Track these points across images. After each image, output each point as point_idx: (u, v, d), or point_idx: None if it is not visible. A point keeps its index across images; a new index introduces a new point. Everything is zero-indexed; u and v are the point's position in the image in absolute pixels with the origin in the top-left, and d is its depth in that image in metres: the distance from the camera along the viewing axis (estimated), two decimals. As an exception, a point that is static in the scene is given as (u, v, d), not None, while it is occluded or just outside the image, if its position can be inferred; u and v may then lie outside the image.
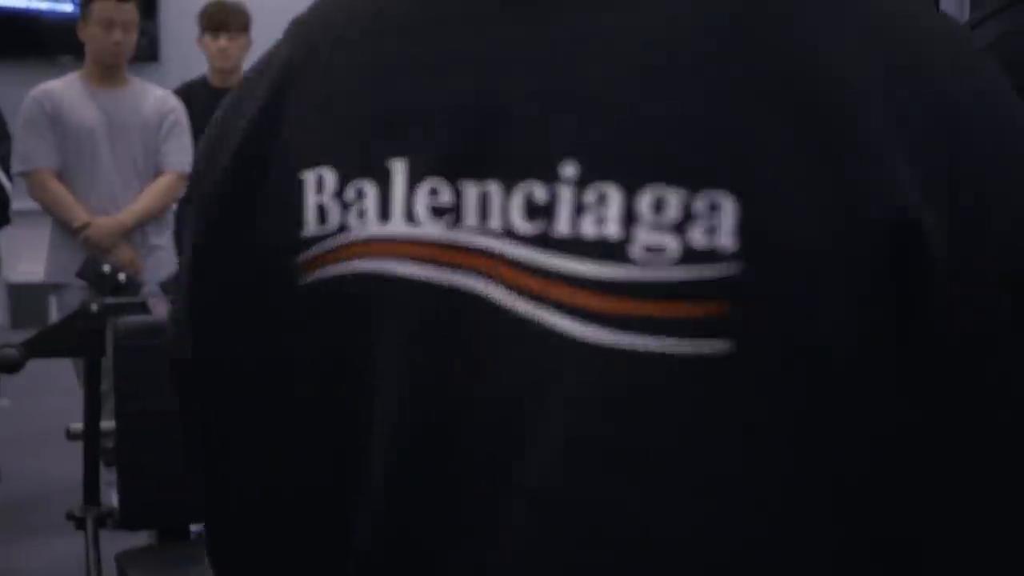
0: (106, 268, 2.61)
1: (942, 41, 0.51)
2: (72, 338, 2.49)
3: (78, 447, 2.53)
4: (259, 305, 0.60)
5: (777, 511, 0.49)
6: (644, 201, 0.48)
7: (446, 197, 0.54)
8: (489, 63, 0.54)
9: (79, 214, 3.37)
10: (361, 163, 0.56)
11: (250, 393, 0.61)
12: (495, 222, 0.53)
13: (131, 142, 3.44)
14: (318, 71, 0.59)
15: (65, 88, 3.43)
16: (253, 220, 0.59)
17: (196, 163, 0.66)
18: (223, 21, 3.89)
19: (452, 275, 0.53)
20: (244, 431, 0.63)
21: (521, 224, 0.52)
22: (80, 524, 2.46)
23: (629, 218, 0.49)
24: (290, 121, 0.59)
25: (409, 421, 0.55)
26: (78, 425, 2.53)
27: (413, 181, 0.54)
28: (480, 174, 0.53)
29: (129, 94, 3.48)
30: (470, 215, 0.53)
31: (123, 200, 3.44)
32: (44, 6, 6.58)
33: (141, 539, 2.46)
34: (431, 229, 0.54)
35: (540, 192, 0.51)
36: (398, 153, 0.55)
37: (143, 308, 2.52)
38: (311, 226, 0.57)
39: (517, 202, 0.52)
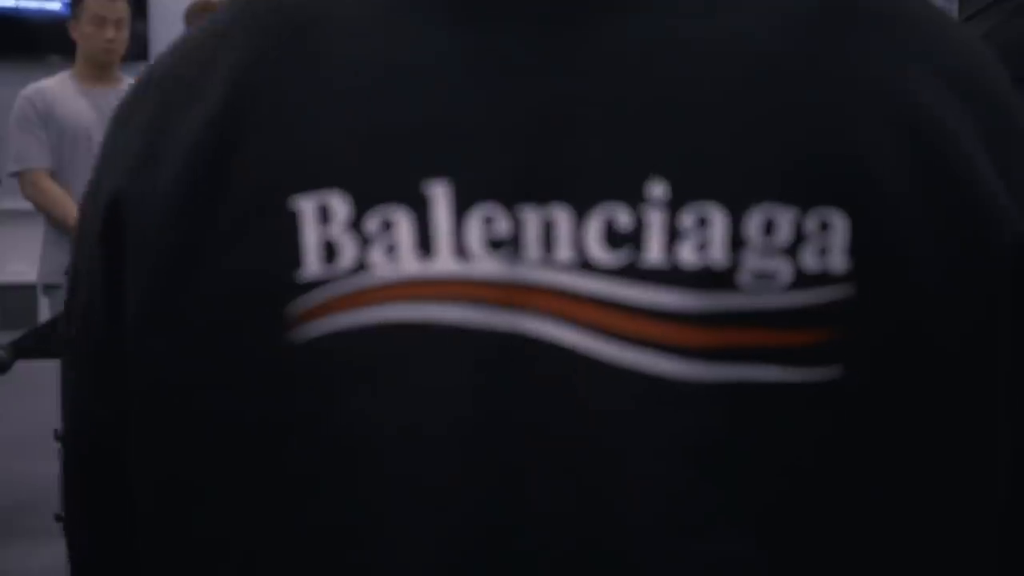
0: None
1: (994, 62, 0.51)
2: (61, 339, 2.46)
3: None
4: (228, 367, 0.48)
5: (918, 549, 0.47)
6: (752, 223, 0.44)
7: (503, 226, 0.45)
8: (547, 64, 0.47)
9: (75, 213, 3.33)
10: (385, 186, 0.46)
11: (229, 463, 0.49)
12: (564, 253, 0.45)
13: (125, 141, 3.41)
14: (302, 68, 0.49)
15: (57, 87, 3.41)
16: (207, 261, 0.48)
17: (95, 193, 0.53)
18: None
19: (512, 318, 0.45)
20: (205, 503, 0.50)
21: (601, 254, 0.45)
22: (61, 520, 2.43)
23: (736, 242, 0.44)
24: (261, 134, 0.48)
25: (467, 495, 0.46)
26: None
27: (461, 208, 0.45)
28: (543, 197, 0.45)
29: (123, 92, 3.45)
30: (532, 246, 0.45)
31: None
32: (32, 5, 6.55)
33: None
34: (487, 265, 0.45)
35: (624, 216, 0.45)
36: (436, 174, 0.46)
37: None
38: (312, 266, 0.46)
39: (594, 229, 0.45)
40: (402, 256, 0.45)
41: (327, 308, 0.46)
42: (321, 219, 0.46)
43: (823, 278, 0.44)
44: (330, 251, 0.46)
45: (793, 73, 0.46)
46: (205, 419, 0.48)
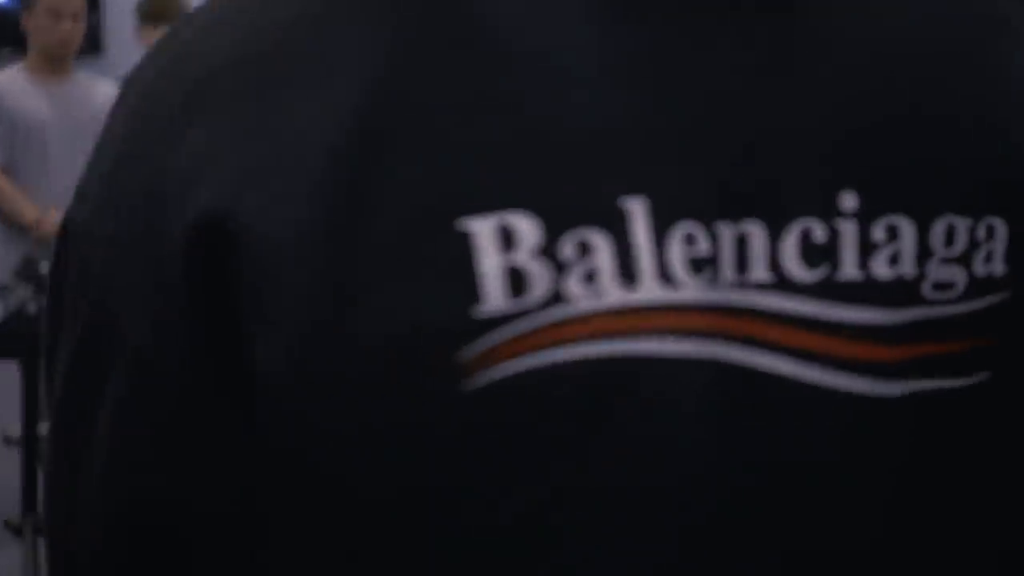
0: (44, 267, 2.52)
1: None
2: (8, 340, 2.41)
3: (15, 453, 2.45)
4: (393, 427, 0.41)
5: None
6: (936, 233, 0.44)
7: (703, 246, 0.42)
8: (726, 69, 0.43)
9: (30, 209, 3.28)
10: (579, 205, 0.41)
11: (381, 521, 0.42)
12: (760, 272, 0.42)
13: (83, 136, 3.35)
14: (460, 61, 0.42)
15: (8, 81, 3.34)
16: (360, 298, 0.40)
17: (153, 212, 0.43)
18: (160, 11, 3.82)
19: (722, 347, 0.42)
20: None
21: (799, 272, 0.42)
22: (18, 533, 2.39)
23: (923, 253, 0.44)
24: (416, 139, 0.41)
25: (717, 543, 0.43)
26: (14, 427, 2.45)
27: (661, 227, 0.41)
28: (736, 213, 0.42)
29: (78, 87, 3.40)
30: (727, 266, 0.42)
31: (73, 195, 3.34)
32: None
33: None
34: (692, 290, 0.41)
35: (818, 231, 0.43)
36: (632, 190, 0.41)
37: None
38: (495, 299, 0.40)
39: (790, 245, 0.42)
40: (604, 284, 0.40)
41: (515, 347, 0.40)
42: (504, 244, 0.40)
43: (989, 284, 0.45)
44: (517, 281, 0.40)
45: (958, 82, 0.47)
46: (368, 491, 0.41)
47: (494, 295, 0.40)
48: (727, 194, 0.42)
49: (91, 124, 3.37)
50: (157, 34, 3.79)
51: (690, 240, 0.41)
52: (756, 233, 0.42)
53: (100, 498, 0.45)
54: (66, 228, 0.47)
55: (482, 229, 0.40)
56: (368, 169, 0.40)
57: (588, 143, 0.41)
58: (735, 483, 0.42)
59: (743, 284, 0.42)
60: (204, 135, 0.42)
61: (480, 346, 0.40)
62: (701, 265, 0.41)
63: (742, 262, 0.42)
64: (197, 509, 0.43)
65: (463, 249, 0.40)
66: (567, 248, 0.40)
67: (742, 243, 0.42)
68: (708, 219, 0.42)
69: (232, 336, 0.41)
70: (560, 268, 0.40)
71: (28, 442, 2.42)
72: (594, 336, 0.40)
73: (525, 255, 0.40)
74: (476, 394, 0.40)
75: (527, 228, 0.40)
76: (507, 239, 0.40)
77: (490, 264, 0.40)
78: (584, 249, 0.40)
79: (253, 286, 0.40)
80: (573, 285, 0.40)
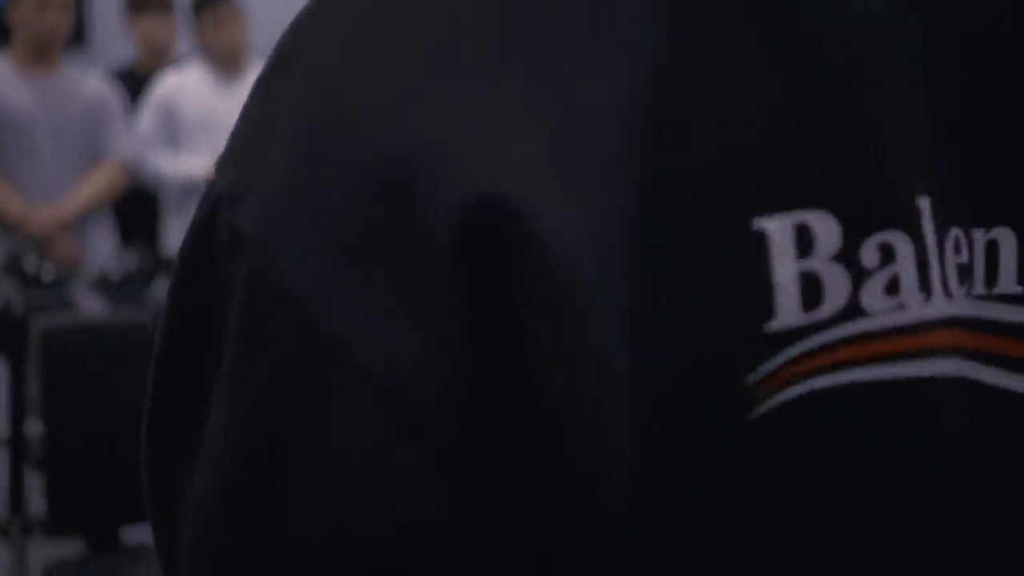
0: (30, 264, 2.48)
1: None
2: (-5, 338, 2.37)
3: (2, 453, 2.41)
4: (681, 463, 0.35)
5: None
6: None
7: (964, 254, 0.38)
8: (990, 72, 0.40)
9: (16, 205, 3.23)
10: (883, 204, 0.37)
11: None
12: (1008, 284, 0.39)
13: (71, 129, 3.30)
14: (733, 47, 0.36)
15: (-7, 73, 3.27)
16: (654, 313, 0.34)
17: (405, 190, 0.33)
18: (147, 0, 3.76)
19: (969, 364, 0.38)
20: None
21: None
22: (5, 534, 2.36)
23: None
24: (696, 129, 0.35)
25: None
26: (1, 427, 2.42)
27: (940, 232, 0.37)
28: (990, 220, 0.39)
29: (66, 79, 3.33)
30: (979, 277, 0.39)
31: (62, 190, 3.30)
32: None
33: (70, 549, 2.35)
34: (963, 302, 0.38)
35: None
36: (923, 190, 0.37)
37: (69, 306, 2.39)
38: (789, 313, 0.35)
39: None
40: (905, 295, 0.36)
41: (805, 366, 0.35)
42: (799, 247, 0.35)
43: None
44: (812, 290, 0.35)
45: None
46: (654, 541, 0.35)
47: (788, 307, 0.34)
48: (981, 198, 0.39)
49: (80, 118, 3.32)
50: (145, 24, 3.74)
51: (957, 247, 0.38)
52: (1008, 240, 0.39)
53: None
54: (223, 241, 0.36)
55: (778, 230, 0.34)
56: (660, 159, 0.34)
57: (882, 134, 0.37)
58: (985, 511, 0.39)
59: (990, 296, 0.39)
60: (463, 108, 0.34)
61: (770, 366, 0.34)
62: (963, 275, 0.38)
63: (991, 272, 0.39)
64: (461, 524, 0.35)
65: (758, 254, 0.34)
66: (869, 253, 0.36)
67: (993, 249, 0.39)
68: (968, 225, 0.38)
69: (512, 362, 0.33)
70: (859, 276, 0.35)
71: (15, 442, 2.38)
72: (892, 354, 0.36)
73: (821, 260, 0.35)
74: (762, 420, 0.35)
75: (826, 229, 0.35)
76: (804, 242, 0.35)
77: (786, 271, 0.34)
78: (887, 255, 0.36)
79: (552, 297, 0.32)
80: (872, 296, 0.36)
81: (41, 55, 3.28)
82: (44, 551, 2.32)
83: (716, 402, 0.34)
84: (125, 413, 2.14)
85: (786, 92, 0.36)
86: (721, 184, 0.35)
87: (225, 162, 0.37)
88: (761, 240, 0.34)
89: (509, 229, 0.32)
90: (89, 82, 3.39)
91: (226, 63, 3.61)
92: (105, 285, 2.48)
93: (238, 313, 0.35)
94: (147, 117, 3.62)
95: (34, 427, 2.35)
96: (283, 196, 0.35)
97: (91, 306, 2.33)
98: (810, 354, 0.35)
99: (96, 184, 3.35)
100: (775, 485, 0.36)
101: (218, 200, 0.36)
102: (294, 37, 0.38)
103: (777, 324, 0.34)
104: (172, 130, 3.60)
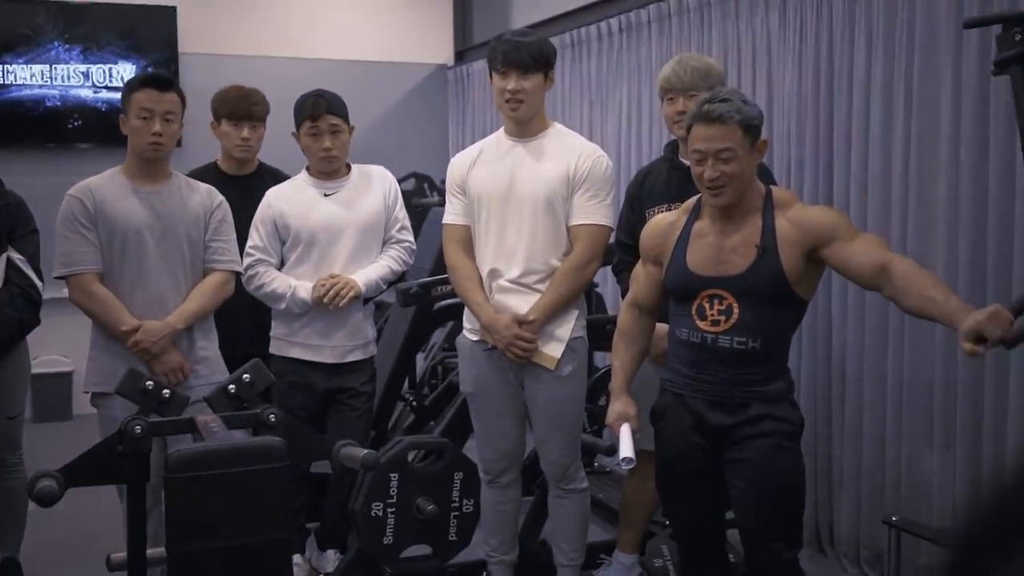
0: (148, 384, 2.37)
1: None
2: (114, 463, 2.25)
3: (120, 580, 2.28)
4: None
5: None
6: None
7: None
8: None
9: (127, 318, 3.17)
10: None
11: None
12: None
13: (178, 240, 3.24)
14: None
15: (106, 184, 3.23)
16: None
17: None
18: (247, 111, 3.84)
19: None
20: None
21: None
22: None
23: None
24: None
25: None
26: (120, 555, 2.28)
27: None
28: None
29: (174, 189, 3.29)
30: None
31: (170, 301, 3.24)
32: (56, 92, 6.11)
33: None
34: None
35: None
36: None
37: (190, 426, 2.28)
38: None
39: None
40: None
41: None
42: None
43: None
44: None
45: None
46: None
47: None
48: None
49: (187, 228, 3.26)
50: (228, 129, 3.80)
51: None
52: None
53: None
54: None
55: None
56: None
57: None
58: None
59: None
60: None
61: None
62: None
63: None
64: None
65: None
66: None
67: None
68: None
69: None
70: None
71: (134, 568, 2.26)
72: None
73: None
74: None
75: None
76: None
77: None
78: None
79: None
80: None
81: (148, 166, 3.24)
82: None
83: None
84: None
85: None
86: None
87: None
88: None
89: None
90: (197, 189, 3.34)
91: (322, 172, 3.60)
92: (220, 398, 2.38)
93: None
94: (255, 230, 3.59)
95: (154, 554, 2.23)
96: None
97: (211, 425, 2.22)
98: None
99: (204, 294, 3.28)
100: None
101: None
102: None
103: None
104: (276, 243, 3.61)
